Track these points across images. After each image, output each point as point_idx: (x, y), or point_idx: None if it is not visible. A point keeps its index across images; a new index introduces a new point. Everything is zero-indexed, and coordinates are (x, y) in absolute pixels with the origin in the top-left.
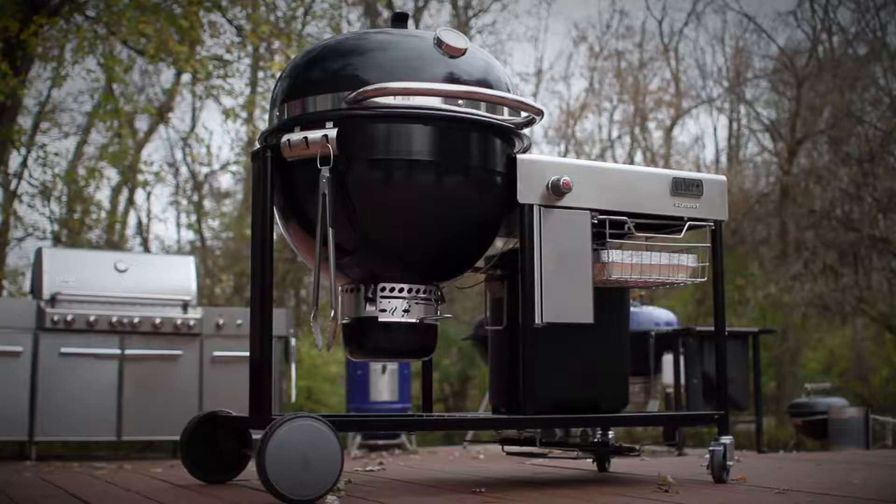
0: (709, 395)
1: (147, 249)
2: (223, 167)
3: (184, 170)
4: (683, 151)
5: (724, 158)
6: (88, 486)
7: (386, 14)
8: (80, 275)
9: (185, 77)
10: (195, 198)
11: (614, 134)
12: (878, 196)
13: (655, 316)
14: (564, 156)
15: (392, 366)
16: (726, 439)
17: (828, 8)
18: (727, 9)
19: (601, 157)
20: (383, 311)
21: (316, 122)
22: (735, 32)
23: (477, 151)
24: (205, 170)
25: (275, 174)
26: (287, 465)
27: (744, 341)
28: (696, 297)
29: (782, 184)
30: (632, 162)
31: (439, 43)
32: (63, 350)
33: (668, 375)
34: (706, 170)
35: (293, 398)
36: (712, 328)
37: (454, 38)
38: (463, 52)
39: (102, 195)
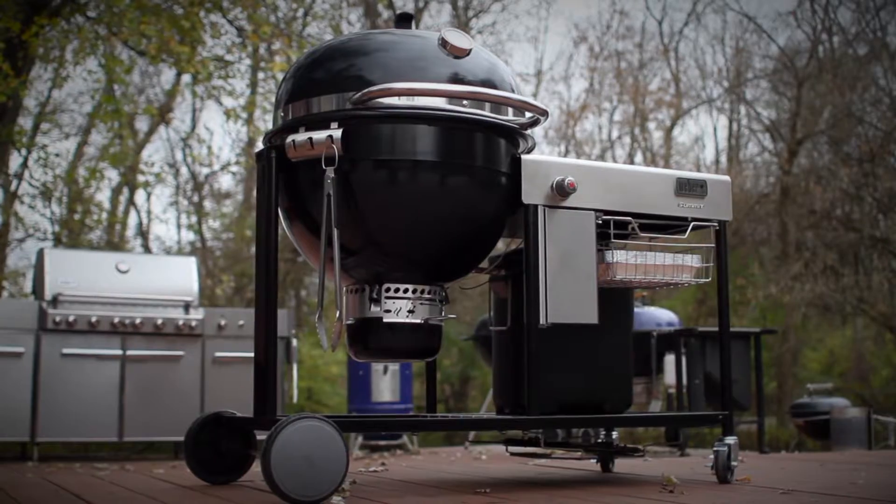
0: (711, 396)
1: (147, 250)
2: (223, 168)
3: (184, 170)
4: (683, 152)
5: (723, 159)
6: (93, 487)
7: (386, 14)
8: (82, 275)
9: (186, 78)
10: (195, 198)
11: (614, 134)
12: (878, 196)
13: (657, 316)
14: (565, 156)
15: (393, 366)
16: (731, 440)
17: (828, 8)
18: (727, 9)
19: (601, 157)
20: (388, 311)
21: (320, 122)
22: (735, 33)
23: (481, 152)
24: (205, 170)
25: (279, 175)
26: (292, 465)
27: (746, 341)
28: (697, 297)
29: (783, 184)
30: (632, 162)
31: (444, 43)
32: (65, 351)
33: (669, 376)
34: (706, 170)
35: (294, 399)
36: (714, 328)
37: (459, 39)
38: (467, 52)
39: (103, 196)
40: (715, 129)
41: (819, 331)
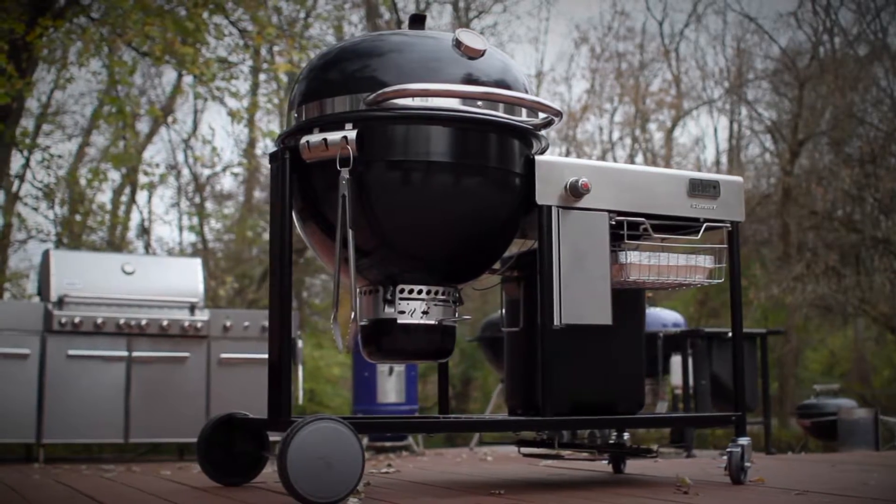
0: (717, 397)
1: (149, 251)
2: (225, 169)
3: (185, 172)
4: (684, 153)
5: (724, 159)
6: (105, 488)
7: (388, 16)
8: (88, 277)
9: (187, 79)
10: (197, 200)
11: (615, 135)
12: (879, 197)
13: (663, 317)
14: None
15: (399, 368)
16: (744, 440)
17: (829, 9)
18: (728, 10)
19: (602, 158)
20: (402, 312)
21: (335, 123)
22: (736, 33)
23: (495, 153)
24: (206, 172)
25: (292, 176)
26: (309, 467)
27: (751, 342)
28: (699, 298)
29: (784, 185)
30: (633, 163)
31: (458, 44)
32: (70, 352)
33: (676, 377)
34: (707, 171)
35: (300, 400)
36: (720, 329)
37: (473, 40)
38: (482, 53)
39: (105, 197)
40: (716, 130)
41: (820, 331)
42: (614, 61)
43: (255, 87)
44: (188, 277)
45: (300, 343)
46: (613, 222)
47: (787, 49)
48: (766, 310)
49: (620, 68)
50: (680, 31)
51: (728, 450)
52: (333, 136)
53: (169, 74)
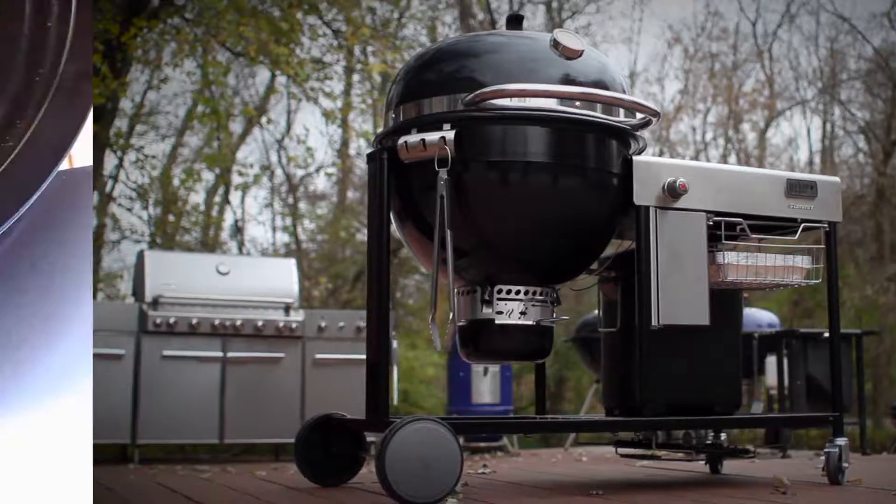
0: (813, 397)
1: (242, 251)
2: (318, 169)
3: (279, 172)
4: (778, 153)
5: (817, 160)
6: (201, 489)
7: (481, 16)
8: (182, 277)
9: (281, 79)
10: (290, 200)
11: (708, 136)
12: None
13: (758, 318)
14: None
15: (494, 368)
16: (841, 441)
17: None
18: (821, 10)
19: (695, 159)
20: (500, 313)
21: (433, 123)
22: (829, 34)
23: (593, 153)
24: (300, 172)
25: (390, 176)
26: (408, 467)
27: (847, 343)
28: (793, 298)
29: (877, 185)
30: (726, 164)
31: (555, 44)
32: (165, 353)
33: (771, 377)
34: (800, 171)
35: (394, 400)
36: (815, 330)
37: (571, 40)
38: (580, 53)
39: (198, 198)
40: (808, 131)
41: None
42: (707, 62)
43: (348, 87)
44: (282, 278)
45: (395, 343)
46: (711, 223)
47: (881, 49)
48: (860, 310)
49: (713, 69)
50: (773, 32)
51: (826, 450)
52: (431, 137)
53: (263, 74)
